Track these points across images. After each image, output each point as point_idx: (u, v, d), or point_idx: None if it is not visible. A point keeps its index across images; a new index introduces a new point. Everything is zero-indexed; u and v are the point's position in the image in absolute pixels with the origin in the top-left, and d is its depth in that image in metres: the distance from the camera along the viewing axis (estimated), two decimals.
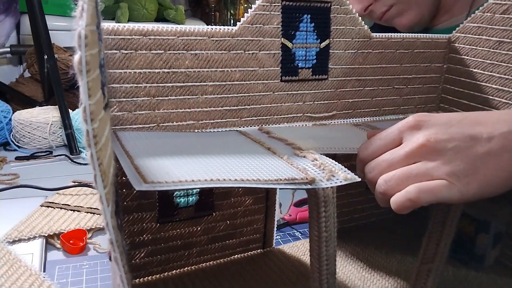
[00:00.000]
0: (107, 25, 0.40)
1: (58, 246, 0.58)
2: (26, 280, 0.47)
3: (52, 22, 1.28)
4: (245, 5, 2.29)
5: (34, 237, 0.58)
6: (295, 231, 0.63)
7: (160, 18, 1.93)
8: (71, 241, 0.57)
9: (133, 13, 1.81)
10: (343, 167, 0.36)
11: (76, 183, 0.76)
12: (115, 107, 0.42)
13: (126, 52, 0.41)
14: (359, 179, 0.35)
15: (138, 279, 0.49)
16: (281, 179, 0.33)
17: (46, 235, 0.59)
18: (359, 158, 0.40)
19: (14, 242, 0.56)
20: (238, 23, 0.46)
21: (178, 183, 0.30)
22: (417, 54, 0.57)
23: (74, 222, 0.62)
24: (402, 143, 0.38)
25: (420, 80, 0.59)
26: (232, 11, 2.29)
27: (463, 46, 0.58)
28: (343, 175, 0.35)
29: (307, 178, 0.34)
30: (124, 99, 0.42)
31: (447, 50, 0.60)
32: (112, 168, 0.30)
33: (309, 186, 0.33)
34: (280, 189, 0.57)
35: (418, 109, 0.61)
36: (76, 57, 0.21)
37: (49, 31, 1.12)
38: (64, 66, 1.22)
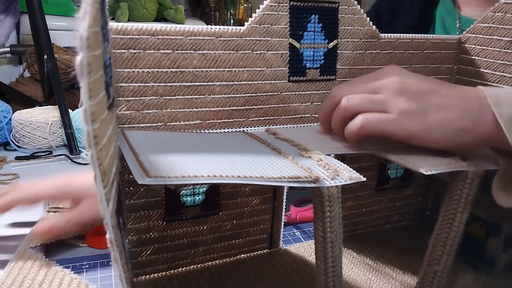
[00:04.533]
0: (115, 24, 0.40)
1: (82, 245, 0.58)
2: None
3: (52, 22, 1.27)
4: (245, 5, 2.29)
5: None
6: (295, 231, 0.63)
7: (160, 18, 1.91)
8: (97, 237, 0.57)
9: (133, 12, 1.80)
10: (348, 167, 0.36)
11: None
12: (123, 106, 0.42)
13: (134, 51, 0.42)
14: (364, 179, 0.35)
15: (144, 276, 0.50)
16: (284, 177, 0.33)
17: (67, 238, 0.57)
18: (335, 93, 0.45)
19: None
20: (246, 23, 0.46)
21: (181, 178, 0.30)
22: (427, 55, 0.57)
23: None
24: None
25: None
26: (232, 11, 2.29)
27: (474, 46, 0.57)
28: (348, 175, 0.35)
29: (311, 177, 0.34)
30: (132, 98, 0.43)
31: (457, 51, 0.59)
32: (115, 167, 0.30)
33: (312, 185, 0.33)
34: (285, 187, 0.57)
35: None
36: (78, 59, 0.22)
37: (49, 31, 1.12)
38: (64, 66, 1.21)
